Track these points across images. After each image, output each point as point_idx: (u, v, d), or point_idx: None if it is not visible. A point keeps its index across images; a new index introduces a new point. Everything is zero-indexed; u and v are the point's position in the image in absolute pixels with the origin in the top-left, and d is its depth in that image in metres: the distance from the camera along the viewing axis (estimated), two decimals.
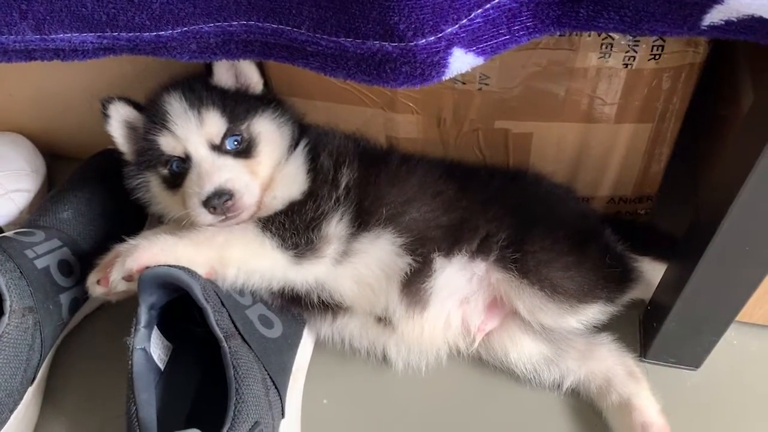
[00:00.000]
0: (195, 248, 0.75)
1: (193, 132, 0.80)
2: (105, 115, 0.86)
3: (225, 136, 0.81)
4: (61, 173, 1.16)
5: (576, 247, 0.82)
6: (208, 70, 0.85)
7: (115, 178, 0.94)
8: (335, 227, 0.80)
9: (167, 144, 0.81)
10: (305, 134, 0.87)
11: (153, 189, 0.86)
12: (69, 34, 0.64)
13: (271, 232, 0.77)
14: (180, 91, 0.83)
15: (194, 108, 0.81)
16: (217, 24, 0.60)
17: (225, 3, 0.58)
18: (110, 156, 1.02)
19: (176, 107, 0.82)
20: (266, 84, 0.89)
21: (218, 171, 0.78)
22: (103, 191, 0.98)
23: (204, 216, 0.77)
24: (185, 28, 0.61)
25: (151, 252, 0.73)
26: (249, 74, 0.86)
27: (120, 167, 0.92)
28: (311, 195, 0.80)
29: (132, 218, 0.98)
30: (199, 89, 0.83)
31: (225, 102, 0.83)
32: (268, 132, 0.84)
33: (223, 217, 0.77)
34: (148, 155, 0.84)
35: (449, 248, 0.82)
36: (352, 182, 0.83)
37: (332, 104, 0.92)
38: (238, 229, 0.77)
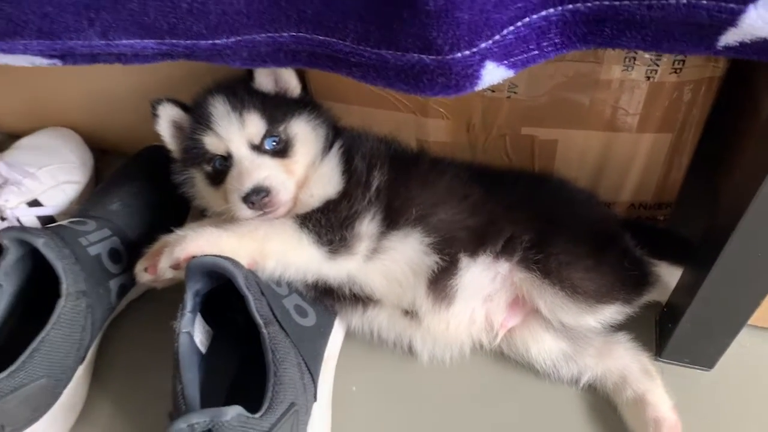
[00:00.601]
0: (238, 240, 0.79)
1: (235, 132, 0.85)
2: (154, 115, 0.91)
3: (264, 137, 0.85)
4: (106, 167, 1.22)
5: (596, 250, 0.85)
6: (250, 75, 0.89)
7: (159, 172, 1.00)
8: (367, 226, 0.84)
9: (211, 143, 0.86)
10: (340, 136, 0.91)
11: (197, 184, 0.91)
12: (132, 41, 0.68)
13: (308, 228, 0.81)
14: (224, 95, 0.87)
15: (236, 110, 0.85)
16: (268, 34, 0.65)
17: (277, 15, 0.63)
18: (155, 152, 1.08)
19: (220, 109, 0.86)
20: (304, 88, 0.93)
21: (257, 169, 0.83)
22: (149, 185, 1.04)
23: (243, 210, 0.82)
24: (239, 38, 0.66)
25: (197, 243, 0.78)
26: (288, 79, 0.91)
27: (163, 162, 0.97)
28: (345, 195, 0.84)
29: (174, 211, 1.04)
30: (242, 93, 0.87)
31: (265, 105, 0.87)
32: (304, 133, 0.88)
33: (261, 212, 0.82)
34: (193, 153, 0.89)
35: (475, 248, 0.86)
36: (384, 184, 0.86)
37: (367, 108, 0.96)
38: (278, 224, 0.82)
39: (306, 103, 0.91)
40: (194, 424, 0.65)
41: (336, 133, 0.92)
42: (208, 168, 0.88)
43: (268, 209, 0.82)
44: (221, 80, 0.92)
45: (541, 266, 0.84)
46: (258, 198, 0.81)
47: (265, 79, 0.90)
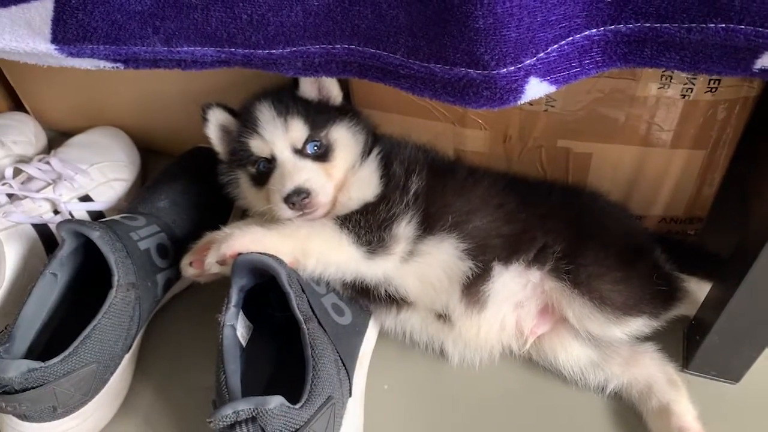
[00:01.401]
0: (281, 239, 0.83)
1: (279, 136, 0.89)
2: (204, 119, 0.95)
3: (306, 142, 0.89)
4: (152, 166, 1.27)
5: (626, 263, 0.87)
6: (295, 83, 0.93)
7: (204, 173, 1.04)
8: (404, 228, 0.86)
9: (256, 146, 0.90)
10: (379, 143, 0.94)
11: (241, 185, 0.95)
12: (193, 48, 0.72)
13: (348, 229, 0.84)
14: (270, 101, 0.91)
15: (281, 116, 0.89)
16: (322, 46, 0.68)
17: (331, 29, 0.67)
18: (200, 153, 1.13)
19: (266, 114, 0.90)
20: (346, 96, 0.97)
21: (299, 172, 0.86)
22: (194, 184, 1.08)
23: (284, 210, 0.85)
24: (294, 48, 0.69)
25: (243, 240, 0.82)
26: (330, 88, 0.94)
27: (208, 163, 1.01)
28: (384, 198, 0.87)
29: (217, 209, 1.08)
30: (287, 100, 0.91)
31: (308, 112, 0.90)
32: (344, 139, 0.92)
33: (301, 212, 0.85)
34: (239, 155, 0.92)
35: (508, 256, 0.88)
36: (421, 189, 0.89)
37: (406, 117, 0.99)
38: (318, 225, 0.85)
39: (346, 111, 0.95)
40: (239, 410, 0.68)
41: (375, 140, 0.95)
42: (253, 170, 0.92)
43: (308, 210, 0.86)
44: (268, 87, 0.96)
45: (571, 276, 0.85)
46: (298, 199, 0.84)
47: (309, 87, 0.93)
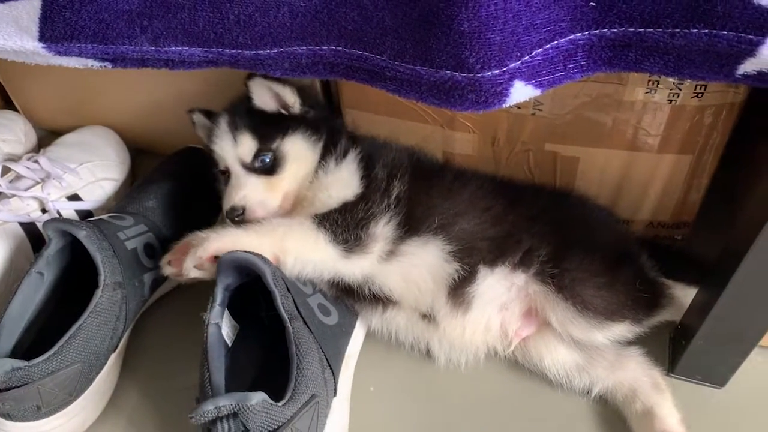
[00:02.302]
0: (259, 239, 0.83)
1: (229, 151, 0.92)
2: (193, 123, 0.98)
3: (256, 155, 0.91)
4: (142, 166, 1.27)
5: (610, 268, 0.86)
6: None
7: (194, 173, 1.05)
8: (382, 228, 0.86)
9: (217, 157, 0.94)
10: (359, 144, 0.94)
11: (223, 187, 0.96)
12: (180, 48, 0.72)
13: (325, 227, 0.84)
14: (227, 113, 0.94)
15: (231, 130, 0.92)
16: (309, 47, 0.68)
17: (318, 30, 0.67)
18: (190, 153, 1.13)
19: (222, 128, 0.94)
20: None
21: (239, 188, 0.90)
22: (183, 184, 1.08)
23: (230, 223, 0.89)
24: (281, 49, 0.69)
25: (220, 243, 0.82)
26: (285, 96, 0.93)
27: (198, 163, 1.03)
28: (363, 198, 0.88)
29: (206, 210, 1.08)
30: (240, 112, 0.94)
31: (260, 124, 0.92)
32: (298, 150, 0.92)
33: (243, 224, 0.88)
34: (214, 161, 0.96)
35: (494, 259, 0.88)
36: (403, 193, 0.89)
37: (396, 120, 1.00)
38: (296, 223, 0.86)
39: (303, 120, 0.95)
40: (221, 406, 0.68)
41: (354, 141, 0.95)
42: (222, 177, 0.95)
43: (246, 221, 0.88)
44: (234, 97, 0.97)
45: (555, 281, 0.85)
46: (233, 215, 0.88)
47: (264, 98, 0.94)
